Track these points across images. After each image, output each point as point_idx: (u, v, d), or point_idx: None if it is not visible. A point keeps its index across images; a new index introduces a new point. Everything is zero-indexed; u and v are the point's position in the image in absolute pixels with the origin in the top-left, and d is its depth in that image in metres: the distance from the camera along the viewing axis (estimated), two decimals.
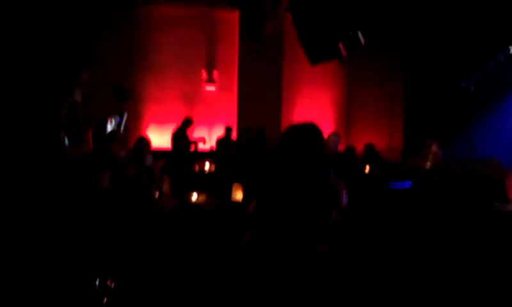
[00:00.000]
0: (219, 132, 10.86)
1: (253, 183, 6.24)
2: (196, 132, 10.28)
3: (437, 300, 4.04)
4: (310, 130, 3.49)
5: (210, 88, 11.71)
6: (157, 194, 6.06)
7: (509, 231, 3.51)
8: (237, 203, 6.15)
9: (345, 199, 5.01)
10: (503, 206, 3.73)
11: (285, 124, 11.50)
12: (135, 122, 10.85)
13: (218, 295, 4.55)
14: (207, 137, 10.65)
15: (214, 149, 9.95)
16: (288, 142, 3.48)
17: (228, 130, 10.12)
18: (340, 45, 7.73)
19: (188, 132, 9.17)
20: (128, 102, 9.88)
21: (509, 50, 4.90)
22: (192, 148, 8.94)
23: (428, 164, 5.77)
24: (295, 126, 3.52)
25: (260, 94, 11.26)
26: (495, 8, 6.86)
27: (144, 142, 5.84)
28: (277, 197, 3.47)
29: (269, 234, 3.41)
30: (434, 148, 5.92)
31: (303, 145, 3.39)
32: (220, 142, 9.90)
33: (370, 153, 9.17)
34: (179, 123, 9.27)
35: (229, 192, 6.41)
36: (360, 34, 7.59)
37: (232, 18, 11.78)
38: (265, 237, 3.43)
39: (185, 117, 9.40)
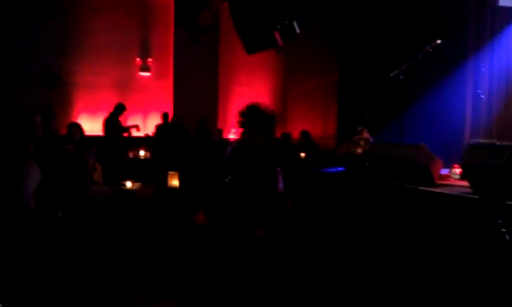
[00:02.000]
0: (154, 119, 10.68)
1: (190, 171, 6.19)
2: (131, 120, 10.03)
3: (366, 281, 4.20)
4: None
5: (145, 75, 11.46)
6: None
7: (434, 211, 3.70)
8: (173, 190, 6.07)
9: (280, 184, 5.08)
10: (426, 188, 3.91)
11: (221, 112, 11.49)
12: (65, 108, 10.44)
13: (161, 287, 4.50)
14: (142, 125, 10.43)
15: (150, 136, 9.81)
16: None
17: (165, 117, 10.04)
18: (276, 35, 7.79)
19: (120, 118, 8.92)
20: (56, 87, 9.50)
21: (436, 43, 5.15)
22: (125, 135, 8.71)
23: (359, 149, 5.97)
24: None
25: (196, 82, 11.17)
26: (424, 4, 7.20)
27: (75, 128, 5.67)
28: (223, 182, 3.49)
29: (216, 218, 3.43)
30: (365, 134, 6.13)
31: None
32: (159, 128, 9.73)
33: (306, 140, 9.37)
34: (112, 110, 9.01)
35: (165, 180, 6.31)
36: (295, 24, 7.68)
37: (167, 5, 11.54)
38: (212, 221, 3.45)
39: (117, 103, 9.11)
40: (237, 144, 3.60)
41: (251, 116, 3.49)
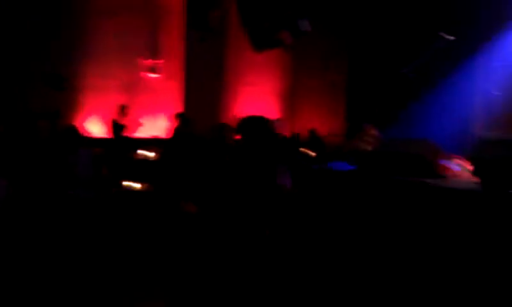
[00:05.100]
0: (163, 120, 10.64)
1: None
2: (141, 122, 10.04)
3: (374, 273, 4.13)
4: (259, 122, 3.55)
5: (154, 76, 11.44)
6: None
7: (440, 204, 3.63)
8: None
9: (288, 182, 5.04)
10: (435, 182, 3.86)
11: (226, 113, 11.42)
12: (74, 111, 10.46)
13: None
14: (151, 126, 10.41)
15: (159, 138, 9.72)
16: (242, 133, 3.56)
17: (183, 118, 9.68)
18: (285, 33, 7.76)
19: (125, 119, 8.88)
20: (65, 90, 9.52)
21: (443, 37, 5.08)
22: (132, 136, 8.66)
23: (368, 146, 5.91)
24: (246, 120, 3.59)
25: (204, 83, 11.13)
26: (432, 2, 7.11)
27: (73, 131, 5.61)
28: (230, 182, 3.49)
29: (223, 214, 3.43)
30: (372, 131, 6.07)
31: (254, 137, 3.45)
32: (178, 130, 9.34)
33: (313, 138, 9.37)
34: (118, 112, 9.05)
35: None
36: (304, 22, 7.65)
37: (176, 5, 11.51)
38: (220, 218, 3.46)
39: (120, 105, 9.13)
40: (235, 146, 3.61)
41: (244, 123, 3.52)
